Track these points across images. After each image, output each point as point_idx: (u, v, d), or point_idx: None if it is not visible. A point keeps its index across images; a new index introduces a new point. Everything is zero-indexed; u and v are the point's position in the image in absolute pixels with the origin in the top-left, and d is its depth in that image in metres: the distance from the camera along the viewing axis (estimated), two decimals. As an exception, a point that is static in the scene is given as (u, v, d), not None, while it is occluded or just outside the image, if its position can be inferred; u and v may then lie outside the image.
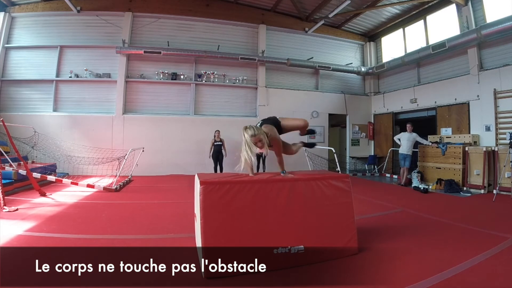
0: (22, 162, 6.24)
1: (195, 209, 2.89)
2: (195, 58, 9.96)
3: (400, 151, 7.85)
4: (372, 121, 11.83)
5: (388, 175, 10.13)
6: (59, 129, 8.92)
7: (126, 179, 7.66)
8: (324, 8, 9.97)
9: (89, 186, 6.43)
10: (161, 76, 9.74)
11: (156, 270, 2.53)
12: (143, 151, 8.06)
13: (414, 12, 9.89)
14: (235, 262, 2.49)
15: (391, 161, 10.47)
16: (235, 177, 2.80)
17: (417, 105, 9.73)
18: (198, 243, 2.73)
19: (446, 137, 8.15)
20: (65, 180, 6.42)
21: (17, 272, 2.40)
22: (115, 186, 6.51)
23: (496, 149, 6.72)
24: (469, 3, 7.89)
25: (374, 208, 5.15)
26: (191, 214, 3.47)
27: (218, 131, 8.63)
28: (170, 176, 9.12)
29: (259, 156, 8.95)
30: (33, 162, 7.96)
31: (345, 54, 11.78)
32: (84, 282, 2.29)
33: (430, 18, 9.52)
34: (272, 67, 10.68)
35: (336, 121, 12.16)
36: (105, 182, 7.09)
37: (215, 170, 8.49)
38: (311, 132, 3.54)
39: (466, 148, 7.16)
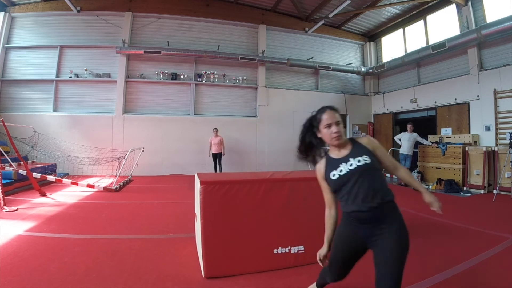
0: (22, 162, 6.25)
1: (195, 209, 2.89)
2: (195, 58, 9.97)
3: (400, 151, 7.85)
4: (372, 121, 11.83)
5: (388, 175, 10.12)
6: (59, 129, 8.93)
7: (126, 179, 7.66)
8: (324, 8, 9.98)
9: (89, 186, 6.42)
10: (161, 76, 9.75)
11: (156, 270, 2.53)
12: (143, 151, 8.07)
13: (414, 12, 9.90)
14: (235, 262, 2.49)
15: (391, 161, 10.45)
16: (235, 177, 2.80)
17: (417, 105, 9.73)
18: (198, 243, 2.73)
19: (446, 137, 8.15)
20: (65, 180, 6.42)
21: (17, 272, 2.40)
22: (115, 186, 6.51)
23: (496, 149, 6.73)
24: (469, 3, 7.89)
25: (374, 208, 5.14)
26: (191, 214, 3.47)
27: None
28: (170, 176, 9.12)
29: (215, 155, 8.61)
30: (33, 162, 7.96)
31: (345, 54, 11.79)
32: (84, 282, 2.28)
33: (430, 18, 9.53)
34: (272, 67, 10.69)
35: (336, 121, 12.15)
36: (105, 182, 7.09)
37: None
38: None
39: (466, 148, 7.17)
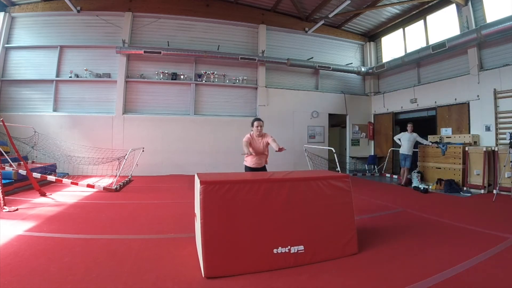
0: (22, 162, 6.25)
1: (195, 209, 2.89)
2: (195, 58, 9.97)
3: (400, 151, 7.85)
4: (372, 121, 11.83)
5: (388, 175, 10.13)
6: (59, 129, 8.93)
7: (126, 179, 7.66)
8: (324, 8, 9.98)
9: (89, 186, 6.42)
10: (161, 76, 9.75)
11: (156, 270, 2.53)
12: (143, 151, 8.07)
13: (414, 12, 9.90)
14: (235, 261, 2.49)
15: (391, 161, 10.47)
16: (235, 177, 2.80)
17: (417, 105, 9.73)
18: (198, 243, 2.73)
19: (446, 137, 8.15)
20: (65, 180, 6.42)
21: (17, 272, 2.40)
22: (115, 186, 6.51)
23: (496, 149, 6.73)
24: (469, 3, 7.89)
25: (374, 208, 5.15)
26: (191, 214, 3.47)
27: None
28: (170, 176, 9.12)
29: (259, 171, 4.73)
30: (33, 162, 7.96)
31: (345, 54, 11.79)
32: (84, 282, 2.28)
33: (430, 18, 9.54)
34: (272, 67, 10.69)
35: (336, 121, 12.16)
36: (105, 182, 7.09)
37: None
38: None
39: (466, 148, 7.17)
